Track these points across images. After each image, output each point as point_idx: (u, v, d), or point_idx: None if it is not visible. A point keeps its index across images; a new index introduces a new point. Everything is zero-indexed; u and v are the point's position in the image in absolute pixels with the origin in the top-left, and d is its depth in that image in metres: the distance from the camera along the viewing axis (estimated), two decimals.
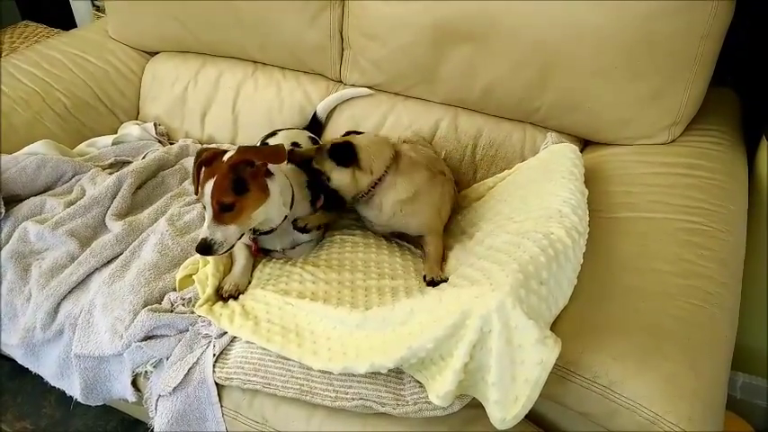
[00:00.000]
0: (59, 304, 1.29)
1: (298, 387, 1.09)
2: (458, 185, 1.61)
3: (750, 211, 1.34)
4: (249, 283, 1.29)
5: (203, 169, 1.17)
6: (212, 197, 1.12)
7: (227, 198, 1.12)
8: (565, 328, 1.03)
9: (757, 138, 1.49)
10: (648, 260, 1.15)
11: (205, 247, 1.12)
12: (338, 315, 1.13)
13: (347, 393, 1.06)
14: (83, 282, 1.32)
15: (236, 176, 1.14)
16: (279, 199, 1.24)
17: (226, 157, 1.17)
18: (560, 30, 1.39)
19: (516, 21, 1.43)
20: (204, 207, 1.15)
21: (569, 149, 1.37)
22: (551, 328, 1.02)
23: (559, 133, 1.55)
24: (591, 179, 1.33)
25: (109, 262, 1.35)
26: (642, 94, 1.40)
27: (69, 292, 1.31)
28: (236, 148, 1.20)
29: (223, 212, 1.13)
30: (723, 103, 1.60)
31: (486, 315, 0.93)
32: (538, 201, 1.21)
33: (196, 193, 1.22)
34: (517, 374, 0.94)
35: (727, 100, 1.63)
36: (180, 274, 1.29)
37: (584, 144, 1.57)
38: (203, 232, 1.13)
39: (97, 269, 1.34)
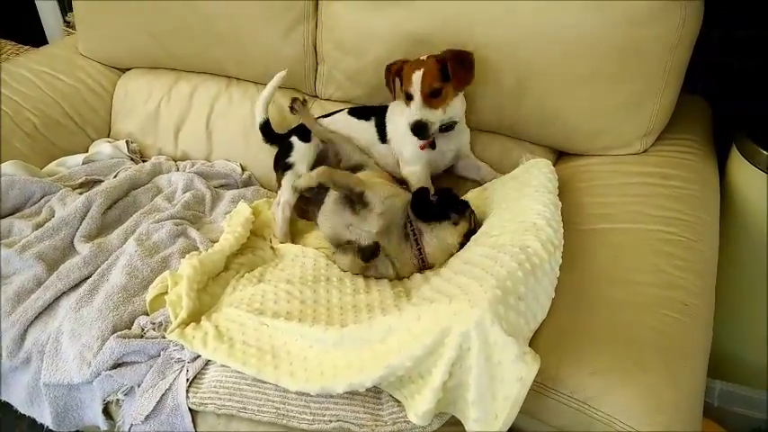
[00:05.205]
0: (26, 331, 1.25)
1: (274, 411, 1.07)
2: None
3: (722, 219, 1.35)
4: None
5: (404, 69, 1.39)
6: (423, 83, 1.33)
7: (436, 83, 1.34)
8: (541, 342, 1.02)
9: (727, 145, 1.51)
10: (624, 271, 1.15)
11: (421, 126, 1.33)
12: (314, 333, 1.11)
13: (324, 416, 1.04)
14: (50, 307, 1.28)
15: (442, 67, 1.35)
16: (462, 100, 1.47)
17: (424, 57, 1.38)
18: (534, 40, 1.41)
19: (490, 32, 1.44)
20: (410, 96, 1.36)
21: (543, 163, 1.38)
22: (529, 342, 1.01)
23: (534, 144, 1.56)
24: (566, 190, 1.34)
25: (77, 285, 1.31)
26: (614, 104, 1.42)
27: (36, 317, 1.27)
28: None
29: (431, 97, 1.35)
30: (693, 111, 1.62)
31: (465, 332, 0.93)
32: (513, 215, 1.21)
33: (394, 98, 1.49)
34: (497, 392, 0.93)
35: (697, 107, 1.65)
36: (150, 294, 1.26)
37: (559, 155, 1.58)
38: (415, 115, 1.34)
39: (65, 293, 1.30)
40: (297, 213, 1.55)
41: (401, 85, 1.40)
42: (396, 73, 1.43)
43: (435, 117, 1.37)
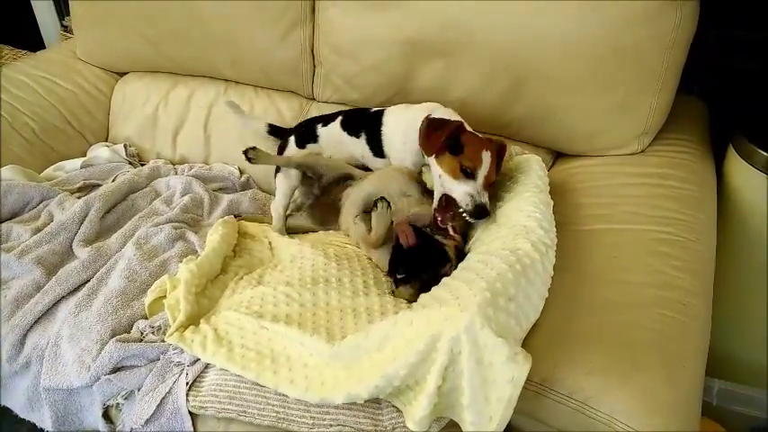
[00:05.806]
0: (26, 335, 1.25)
1: (274, 414, 1.06)
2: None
3: (720, 220, 1.35)
4: None
5: (466, 141, 1.26)
6: (490, 169, 1.25)
7: (494, 176, 1.28)
8: (537, 343, 1.02)
9: (724, 145, 1.51)
10: (621, 272, 1.16)
11: (484, 210, 1.23)
12: (314, 345, 1.10)
13: (324, 420, 1.04)
14: (49, 311, 1.28)
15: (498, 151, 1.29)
16: None
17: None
18: (531, 42, 1.41)
19: (487, 34, 1.44)
20: (470, 174, 1.24)
21: (533, 160, 1.37)
22: (524, 343, 1.01)
23: (531, 146, 1.56)
24: (563, 191, 1.34)
25: (76, 290, 1.31)
26: (611, 104, 1.42)
27: (36, 322, 1.26)
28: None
29: (490, 184, 1.27)
30: (691, 111, 1.63)
31: (455, 336, 0.93)
32: (505, 219, 1.22)
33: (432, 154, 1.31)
34: (490, 394, 0.93)
35: (694, 108, 1.66)
36: (149, 298, 1.26)
37: (556, 156, 1.58)
38: (479, 198, 1.24)
39: (64, 298, 1.30)
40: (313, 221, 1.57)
41: (455, 153, 1.26)
42: (449, 132, 1.27)
43: (487, 200, 1.26)
